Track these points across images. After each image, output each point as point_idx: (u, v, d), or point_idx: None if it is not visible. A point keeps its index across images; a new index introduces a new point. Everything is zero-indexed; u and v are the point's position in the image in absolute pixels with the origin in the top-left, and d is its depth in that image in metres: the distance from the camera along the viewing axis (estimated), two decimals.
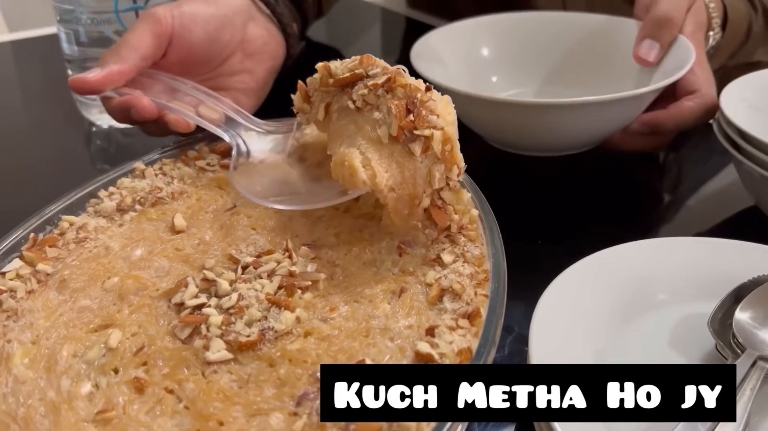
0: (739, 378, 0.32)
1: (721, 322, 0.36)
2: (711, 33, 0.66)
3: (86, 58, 0.64)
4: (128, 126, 0.67)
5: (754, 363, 0.33)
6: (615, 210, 0.56)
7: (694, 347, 0.37)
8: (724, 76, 0.60)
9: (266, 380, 0.30)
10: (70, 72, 0.67)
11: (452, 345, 0.30)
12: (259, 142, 0.45)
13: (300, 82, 0.42)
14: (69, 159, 0.66)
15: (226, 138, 0.45)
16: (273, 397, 0.29)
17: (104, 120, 0.67)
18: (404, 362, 0.30)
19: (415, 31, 1.02)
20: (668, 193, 0.60)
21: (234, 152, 0.44)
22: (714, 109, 0.55)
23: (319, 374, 0.30)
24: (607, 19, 0.68)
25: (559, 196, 0.58)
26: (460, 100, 0.53)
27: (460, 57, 0.68)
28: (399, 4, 1.12)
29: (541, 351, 0.34)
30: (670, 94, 0.56)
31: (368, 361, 0.30)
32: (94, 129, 0.68)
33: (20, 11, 1.19)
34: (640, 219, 0.55)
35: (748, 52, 0.74)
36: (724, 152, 0.51)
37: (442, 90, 0.54)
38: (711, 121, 0.54)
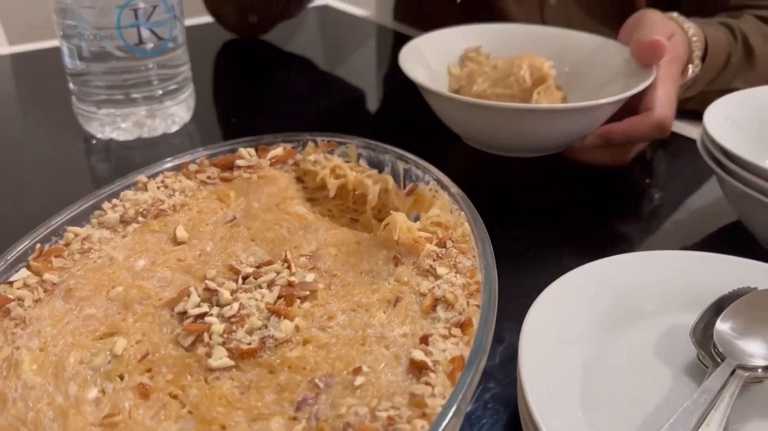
0: (718, 386, 0.33)
1: (703, 333, 0.38)
2: (690, 66, 0.70)
3: (88, 72, 0.65)
4: (128, 138, 0.69)
5: (733, 372, 0.34)
6: (603, 224, 0.58)
7: (678, 357, 0.38)
8: (702, 101, 0.63)
9: (267, 386, 0.31)
10: (71, 86, 0.68)
11: (445, 353, 0.31)
12: None
13: None
14: (68, 170, 0.68)
15: None
16: (273, 402, 0.30)
17: (105, 133, 0.69)
18: (399, 370, 0.32)
19: (403, 44, 1.04)
20: (655, 207, 0.62)
21: None
22: (665, 129, 0.60)
23: (317, 380, 0.31)
24: (586, 37, 0.73)
25: (550, 211, 0.60)
26: (439, 100, 0.63)
27: (445, 61, 0.72)
28: (389, 18, 1.15)
29: (530, 360, 0.35)
30: (633, 110, 0.60)
31: (365, 368, 0.31)
32: (93, 141, 0.70)
33: (20, 25, 1.20)
34: (627, 233, 0.57)
35: (726, 79, 0.77)
36: (709, 168, 0.53)
37: (426, 92, 0.61)
38: (696, 138, 0.56)
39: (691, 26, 0.70)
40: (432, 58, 0.71)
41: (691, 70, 0.70)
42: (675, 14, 0.71)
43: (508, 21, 0.93)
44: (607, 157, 0.62)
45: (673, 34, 0.65)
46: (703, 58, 0.72)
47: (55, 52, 0.71)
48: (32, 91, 0.88)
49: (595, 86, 0.67)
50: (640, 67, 0.63)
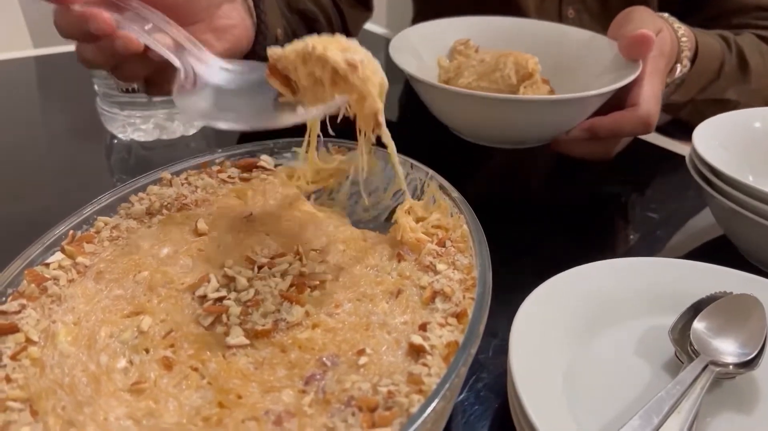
0: (691, 379, 0.36)
1: (681, 332, 0.41)
2: (679, 65, 0.70)
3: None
4: (148, 139, 0.73)
5: (705, 367, 0.37)
6: (595, 233, 0.61)
7: (657, 354, 0.41)
8: (693, 111, 0.65)
9: (279, 363, 0.34)
10: (96, 87, 0.72)
11: (442, 338, 0.34)
12: (210, 73, 0.46)
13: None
14: (91, 167, 0.71)
15: (176, 62, 0.46)
16: (284, 377, 0.34)
17: (126, 133, 0.72)
18: (399, 352, 0.35)
19: None
20: (646, 220, 0.65)
21: (181, 74, 0.45)
22: (650, 125, 0.60)
23: (325, 359, 0.34)
24: (576, 31, 0.73)
25: (545, 219, 0.63)
26: (428, 90, 0.62)
27: (436, 53, 0.73)
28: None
29: (519, 353, 0.38)
30: (619, 104, 0.61)
31: (368, 350, 0.34)
32: (115, 141, 0.73)
33: (44, 29, 1.25)
34: (617, 243, 0.60)
35: (719, 89, 0.78)
36: (697, 184, 0.56)
37: (415, 82, 0.61)
38: (685, 156, 0.59)
39: (681, 26, 0.70)
40: (423, 50, 0.71)
41: (679, 69, 0.70)
42: (666, 15, 0.72)
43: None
44: (592, 150, 0.63)
45: (661, 29, 0.66)
46: (693, 60, 0.72)
47: None
48: (57, 92, 0.91)
49: (584, 79, 0.68)
50: (627, 62, 0.64)
